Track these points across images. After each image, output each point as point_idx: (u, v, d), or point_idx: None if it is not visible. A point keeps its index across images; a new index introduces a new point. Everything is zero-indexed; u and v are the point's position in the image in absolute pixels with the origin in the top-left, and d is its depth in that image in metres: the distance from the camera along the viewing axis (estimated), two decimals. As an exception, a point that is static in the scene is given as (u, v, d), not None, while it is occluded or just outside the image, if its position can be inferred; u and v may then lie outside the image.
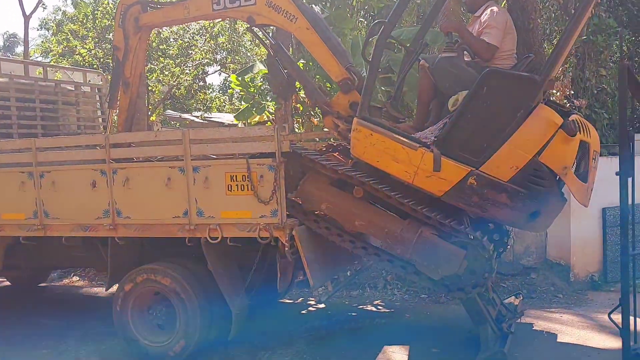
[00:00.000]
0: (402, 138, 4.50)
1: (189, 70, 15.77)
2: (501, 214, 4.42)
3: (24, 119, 6.40)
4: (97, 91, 7.39)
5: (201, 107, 17.36)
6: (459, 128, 4.41)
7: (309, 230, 4.80)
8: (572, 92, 8.40)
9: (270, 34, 5.96)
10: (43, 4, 15.10)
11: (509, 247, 6.16)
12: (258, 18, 5.34)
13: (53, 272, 8.36)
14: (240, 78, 9.18)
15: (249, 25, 5.49)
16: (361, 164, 4.79)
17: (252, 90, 8.84)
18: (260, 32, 5.67)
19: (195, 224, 4.89)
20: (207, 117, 16.24)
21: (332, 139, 5.91)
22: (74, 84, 7.28)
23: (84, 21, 15.16)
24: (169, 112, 18.83)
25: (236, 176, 4.75)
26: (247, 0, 5.31)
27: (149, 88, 15.44)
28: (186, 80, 15.80)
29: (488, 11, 4.84)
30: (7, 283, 8.06)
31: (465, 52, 4.78)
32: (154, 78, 15.55)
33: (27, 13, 14.67)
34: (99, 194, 5.19)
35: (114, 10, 13.05)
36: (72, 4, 16.28)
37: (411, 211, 4.54)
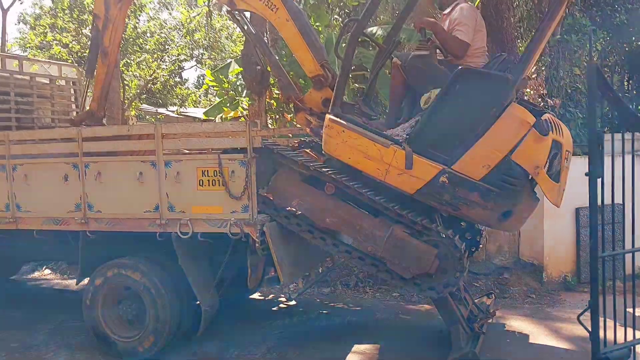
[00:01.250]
0: (373, 135, 4.51)
1: (166, 65, 15.69)
2: (473, 213, 4.44)
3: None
4: (72, 85, 7.31)
5: (177, 102, 17.28)
6: (431, 126, 4.42)
7: (280, 226, 4.81)
8: (546, 92, 8.47)
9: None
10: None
11: (481, 246, 6.20)
12: (239, 2, 5.32)
13: (25, 265, 8.25)
14: (214, 74, 9.18)
15: (228, 10, 5.47)
16: (333, 161, 4.80)
17: (226, 85, 8.84)
18: (242, 20, 5.66)
19: (166, 219, 4.88)
20: (182, 112, 16.15)
21: (304, 136, 5.91)
22: (49, 78, 7.20)
23: (61, 14, 15.00)
24: (145, 106, 18.73)
25: (208, 171, 4.75)
26: None
27: (125, 82, 15.33)
28: (162, 75, 15.72)
29: (458, 8, 4.87)
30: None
31: (437, 50, 4.81)
32: (130, 72, 15.45)
33: (5, 7, 14.56)
34: (71, 187, 5.17)
35: (92, 5, 13.11)
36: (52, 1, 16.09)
37: (382, 209, 4.56)
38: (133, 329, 5.13)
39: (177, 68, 17.32)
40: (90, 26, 11.94)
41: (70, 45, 14.94)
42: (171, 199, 4.87)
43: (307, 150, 5.39)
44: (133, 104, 17.10)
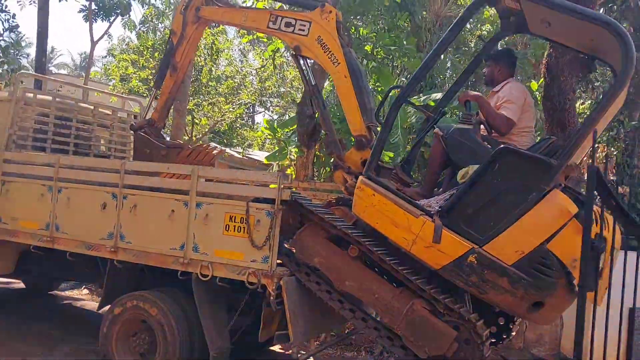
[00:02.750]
0: (404, 202, 4.40)
1: (233, 108, 16.24)
2: (500, 299, 4.18)
3: (59, 136, 6.67)
4: (132, 118, 7.64)
5: (241, 144, 17.76)
6: (466, 201, 4.26)
7: (298, 282, 4.75)
8: (616, 178, 8.09)
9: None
10: (109, 35, 15.92)
11: (514, 334, 5.87)
12: (304, 49, 5.48)
13: (65, 281, 8.50)
14: (269, 122, 9.42)
15: (293, 54, 5.66)
16: (362, 223, 4.73)
17: (279, 135, 9.02)
18: (304, 67, 5.76)
19: (189, 258, 4.93)
20: (247, 154, 16.57)
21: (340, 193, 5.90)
22: (112, 109, 7.59)
23: (144, 52, 15.93)
24: (213, 145, 19.32)
25: (235, 217, 4.79)
26: (301, 30, 5.45)
27: (195, 120, 15.92)
28: (229, 117, 16.26)
29: (507, 87, 4.83)
30: (22, 285, 8.26)
31: (481, 125, 4.73)
32: (201, 112, 16.08)
33: (95, 39, 15.64)
34: (107, 216, 5.33)
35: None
36: (136, 35, 17.18)
37: (405, 280, 4.42)
38: (143, 363, 5.13)
39: (247, 111, 17.89)
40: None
41: (148, 80, 15.77)
42: (197, 239, 4.93)
43: (342, 208, 5.36)
44: (200, 142, 17.68)
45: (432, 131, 5.20)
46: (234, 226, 4.80)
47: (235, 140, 18.17)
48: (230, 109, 16.69)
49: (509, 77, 5.01)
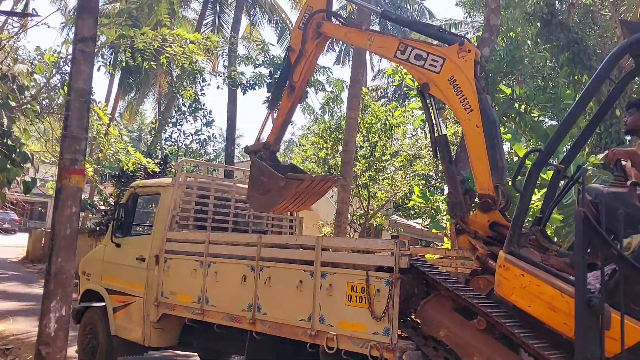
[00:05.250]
0: (561, 284, 3.83)
1: (407, 180, 16.23)
2: None
3: (218, 215, 7.26)
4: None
5: (420, 215, 17.53)
6: (634, 277, 3.66)
7: (424, 357, 4.42)
8: None
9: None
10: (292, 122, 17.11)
11: None
12: (433, 88, 5.00)
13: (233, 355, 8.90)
14: (422, 191, 9.17)
15: (419, 90, 5.25)
16: (505, 304, 4.26)
17: (431, 203, 8.72)
18: (432, 110, 5.26)
19: (316, 330, 4.92)
20: (426, 225, 16.33)
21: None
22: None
23: (323, 134, 16.89)
24: (395, 217, 19.39)
25: (356, 287, 4.71)
26: (432, 66, 4.96)
27: (369, 194, 16.20)
28: (403, 190, 16.27)
29: None
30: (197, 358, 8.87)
31: (638, 187, 4.09)
32: (376, 186, 16.37)
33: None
34: (247, 288, 5.58)
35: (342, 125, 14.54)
36: (313, 120, 18.30)
37: (537, 355, 3.88)
38: None
39: (427, 182, 17.74)
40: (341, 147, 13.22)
41: (325, 159, 16.64)
42: (323, 310, 4.92)
43: (486, 277, 4.93)
44: (378, 215, 17.93)
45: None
46: (356, 296, 4.70)
47: (413, 212, 18.08)
48: (405, 181, 16.75)
49: None
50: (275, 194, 5.71)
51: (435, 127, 5.30)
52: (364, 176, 16.19)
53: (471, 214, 4.91)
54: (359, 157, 16.09)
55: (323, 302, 4.92)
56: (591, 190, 4.36)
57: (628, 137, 9.79)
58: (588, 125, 4.72)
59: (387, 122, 16.99)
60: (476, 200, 5.04)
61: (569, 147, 5.13)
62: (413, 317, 4.64)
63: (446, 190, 9.37)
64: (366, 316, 4.57)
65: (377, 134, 16.77)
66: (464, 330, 4.30)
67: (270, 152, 6.16)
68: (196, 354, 8.78)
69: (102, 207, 19.74)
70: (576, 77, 9.51)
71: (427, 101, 5.27)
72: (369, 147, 16.75)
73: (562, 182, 4.85)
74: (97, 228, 18.24)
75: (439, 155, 5.30)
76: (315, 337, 4.92)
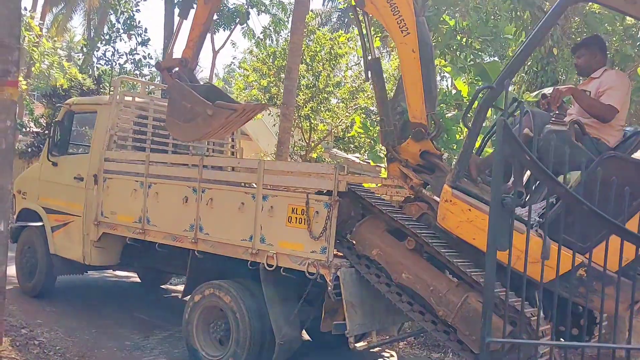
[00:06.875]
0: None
1: (349, 113, 16.36)
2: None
3: (157, 136, 7.19)
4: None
5: (361, 149, 17.86)
6: (570, 212, 3.87)
7: (358, 274, 4.75)
8: None
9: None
10: (233, 42, 16.84)
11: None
12: (369, 5, 4.81)
13: (178, 276, 9.12)
14: (362, 121, 9.37)
15: (353, 6, 5.03)
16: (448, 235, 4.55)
17: (371, 134, 8.95)
18: (365, 28, 5.02)
19: (257, 249, 5.14)
20: (366, 159, 16.68)
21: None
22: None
23: (265, 60, 16.64)
24: (335, 150, 19.66)
25: (297, 209, 4.92)
26: None
27: (312, 125, 16.30)
28: (345, 122, 16.43)
29: (609, 73, 4.51)
30: (137, 280, 9.05)
31: (576, 125, 4.37)
32: (318, 118, 16.43)
33: (216, 49, 16.70)
34: (189, 209, 5.69)
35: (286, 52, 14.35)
36: (254, 44, 18.01)
37: (460, 273, 4.26)
38: (220, 349, 5.41)
39: (367, 116, 17.90)
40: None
41: (268, 88, 16.48)
42: (263, 230, 5.13)
43: (418, 204, 5.20)
44: (318, 147, 18.08)
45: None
46: (296, 218, 4.92)
47: (352, 145, 18.34)
48: (347, 114, 16.87)
49: (603, 64, 4.67)
50: (201, 122, 5.37)
51: (368, 49, 5.16)
52: (306, 107, 16.18)
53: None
54: (301, 87, 16.02)
55: (264, 223, 5.12)
56: (537, 116, 4.51)
57: (563, 77, 10.25)
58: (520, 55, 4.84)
59: (332, 50, 16.86)
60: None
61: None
62: (349, 237, 4.90)
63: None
64: (305, 236, 4.82)
65: (320, 63, 16.67)
66: (394, 250, 4.62)
67: (187, 69, 5.72)
68: (136, 274, 9.01)
69: (34, 129, 19.00)
70: (518, 13, 9.72)
71: (360, 18, 5.08)
72: (312, 78, 16.67)
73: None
74: (29, 150, 17.62)
75: (370, 80, 5.22)
76: (256, 255, 5.15)
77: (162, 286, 9.05)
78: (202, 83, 6.32)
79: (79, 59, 28.18)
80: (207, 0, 5.60)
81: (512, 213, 3.54)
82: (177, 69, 5.76)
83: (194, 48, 5.77)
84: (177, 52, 5.95)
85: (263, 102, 15.76)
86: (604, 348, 4.05)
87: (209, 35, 17.35)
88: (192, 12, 6.00)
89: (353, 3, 5.04)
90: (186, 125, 5.51)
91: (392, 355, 6.60)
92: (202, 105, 5.26)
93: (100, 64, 18.52)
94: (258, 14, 16.47)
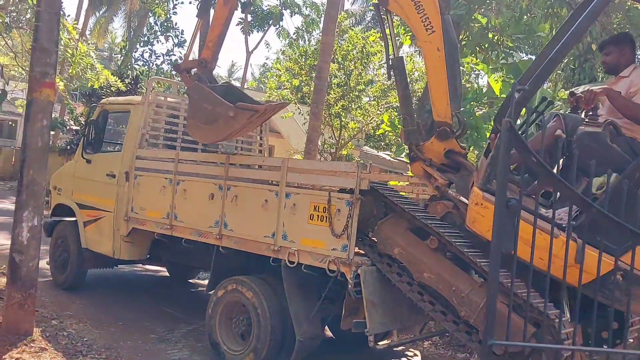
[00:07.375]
0: (539, 222, 3.91)
1: (381, 111, 16.32)
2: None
3: (187, 135, 7.27)
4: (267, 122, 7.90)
5: (392, 146, 17.76)
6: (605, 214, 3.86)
7: (379, 272, 4.73)
8: None
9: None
10: (267, 43, 16.98)
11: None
12: (392, 3, 4.74)
13: (203, 270, 9.22)
14: (391, 119, 9.31)
15: (376, 3, 4.92)
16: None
17: (398, 131, 8.88)
18: (388, 27, 4.95)
19: (279, 246, 5.18)
20: (397, 157, 16.59)
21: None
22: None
23: (298, 60, 16.73)
24: (366, 148, 19.65)
25: (319, 207, 4.94)
26: None
27: (342, 123, 16.29)
28: (376, 120, 16.39)
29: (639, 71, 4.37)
30: (166, 274, 9.20)
31: (610, 126, 4.25)
32: (349, 116, 16.43)
33: (250, 49, 16.89)
34: (214, 205, 5.77)
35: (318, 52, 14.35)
36: (287, 44, 18.15)
37: (484, 273, 4.19)
38: (241, 344, 5.47)
39: (398, 114, 17.81)
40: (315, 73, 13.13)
41: (299, 87, 16.56)
42: (286, 227, 5.16)
43: (444, 203, 5.13)
44: (348, 145, 18.09)
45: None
46: (318, 215, 4.95)
47: (383, 143, 18.30)
48: (378, 112, 16.83)
49: (632, 62, 4.52)
50: (222, 124, 5.36)
51: (391, 48, 5.06)
52: (337, 105, 16.20)
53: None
54: (333, 86, 16.04)
55: (286, 220, 5.16)
56: (568, 119, 4.40)
57: (601, 75, 9.93)
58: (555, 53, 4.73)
59: (364, 49, 16.82)
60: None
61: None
62: (370, 236, 4.90)
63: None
64: (326, 234, 4.83)
65: (352, 62, 16.66)
66: (416, 249, 4.58)
67: (207, 70, 5.69)
68: (164, 268, 9.15)
69: (73, 127, 19.54)
70: (555, 10, 9.46)
71: (384, 16, 4.99)
72: (343, 76, 16.68)
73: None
74: (68, 147, 18.14)
75: (395, 77, 5.09)
76: (278, 252, 5.19)
77: (190, 280, 9.17)
78: (220, 83, 6.28)
79: (119, 60, 28.91)
80: (227, 1, 5.57)
81: (518, 214, 3.45)
82: (196, 70, 5.76)
83: (213, 49, 5.74)
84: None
85: (294, 101, 15.85)
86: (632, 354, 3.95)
87: (243, 37, 17.60)
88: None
89: (375, 0, 4.98)
90: (207, 127, 5.50)
91: (415, 355, 6.56)
92: (224, 107, 5.22)
93: (138, 64, 18.98)
94: (291, 15, 16.54)
